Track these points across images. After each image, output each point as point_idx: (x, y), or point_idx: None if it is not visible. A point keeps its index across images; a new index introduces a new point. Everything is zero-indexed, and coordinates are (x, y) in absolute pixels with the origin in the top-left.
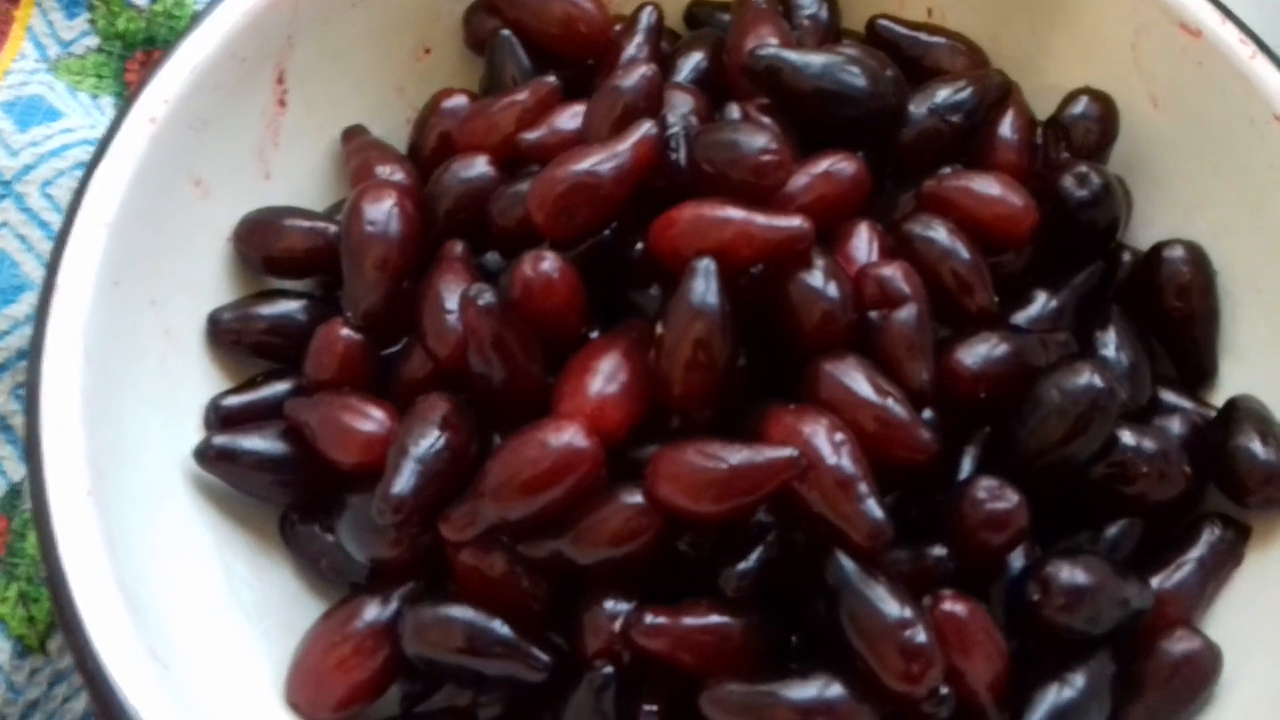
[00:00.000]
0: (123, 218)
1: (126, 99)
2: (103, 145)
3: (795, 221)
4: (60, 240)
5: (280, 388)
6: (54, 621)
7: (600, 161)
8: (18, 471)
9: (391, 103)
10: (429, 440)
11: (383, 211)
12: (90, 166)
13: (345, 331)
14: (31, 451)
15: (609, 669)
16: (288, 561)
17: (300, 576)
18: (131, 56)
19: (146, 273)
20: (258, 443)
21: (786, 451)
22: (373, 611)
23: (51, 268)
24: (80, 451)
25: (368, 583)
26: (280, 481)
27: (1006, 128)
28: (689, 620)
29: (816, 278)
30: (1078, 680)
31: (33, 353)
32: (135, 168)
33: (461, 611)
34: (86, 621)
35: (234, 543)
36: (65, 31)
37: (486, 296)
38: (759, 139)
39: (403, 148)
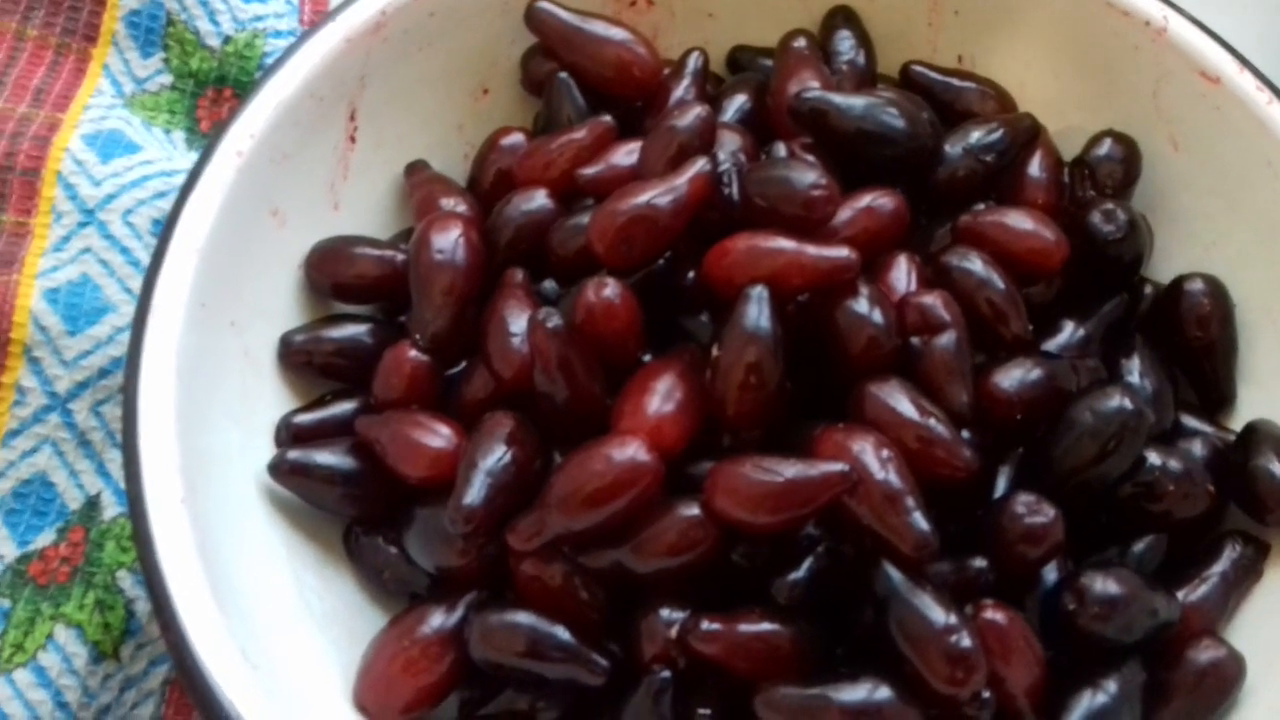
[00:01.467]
0: (210, 244)
1: (215, 133)
2: (193, 175)
3: (843, 252)
4: (155, 264)
5: (347, 406)
6: (127, 629)
7: (658, 195)
8: (95, 485)
9: (451, 140)
10: (497, 455)
11: (450, 241)
12: (182, 195)
13: (413, 353)
14: (129, 460)
15: (666, 673)
16: (351, 574)
17: (363, 588)
18: (203, 94)
19: (229, 297)
20: (328, 457)
21: (838, 466)
22: (438, 619)
23: (146, 289)
24: (174, 462)
25: (428, 593)
26: (348, 494)
27: (1036, 167)
28: (743, 627)
29: (862, 305)
30: (1110, 686)
31: (130, 368)
32: (223, 197)
33: (525, 618)
34: (184, 621)
35: (303, 555)
36: (140, 70)
37: (554, 320)
38: (809, 175)
39: (461, 181)
